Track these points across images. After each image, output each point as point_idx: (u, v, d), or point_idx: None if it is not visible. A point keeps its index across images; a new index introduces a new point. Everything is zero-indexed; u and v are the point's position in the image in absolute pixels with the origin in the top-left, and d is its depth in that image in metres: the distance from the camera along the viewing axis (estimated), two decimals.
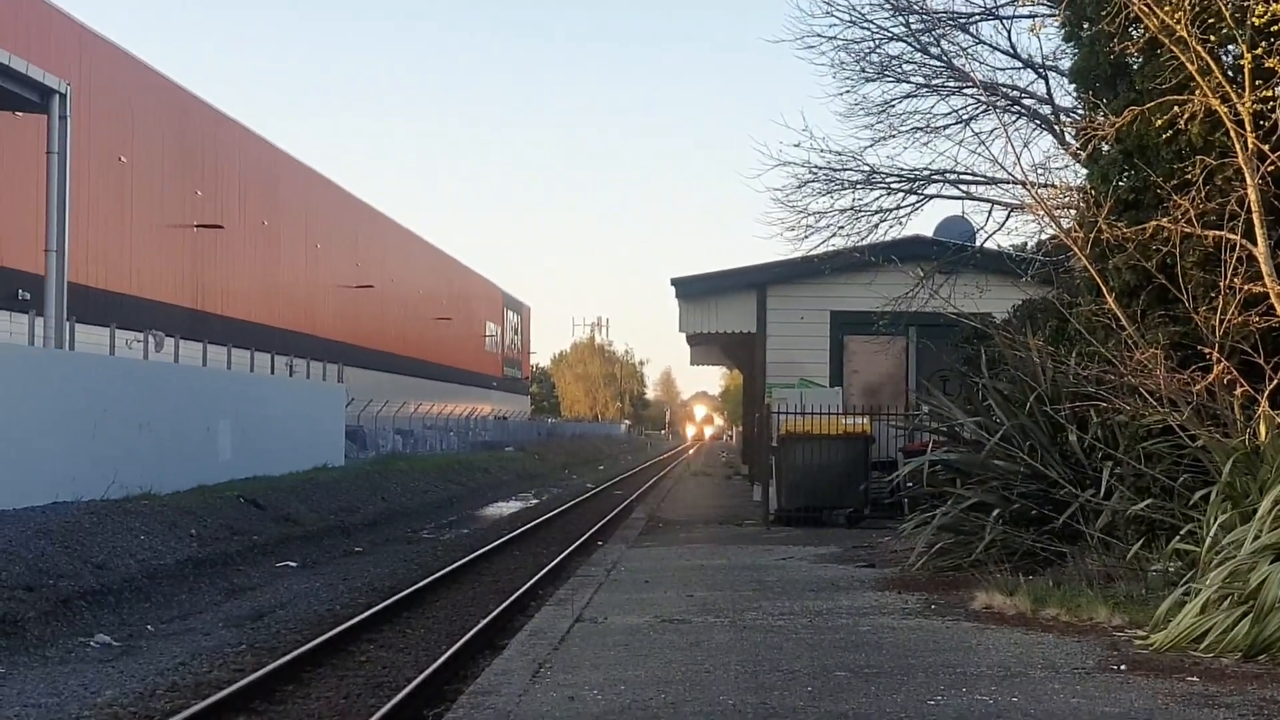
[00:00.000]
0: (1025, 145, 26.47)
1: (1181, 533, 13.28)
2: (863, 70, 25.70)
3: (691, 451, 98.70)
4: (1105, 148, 16.45)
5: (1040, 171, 22.62)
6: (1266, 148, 13.75)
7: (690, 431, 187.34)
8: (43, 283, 29.95)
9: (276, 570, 25.95)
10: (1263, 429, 13.02)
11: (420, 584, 22.33)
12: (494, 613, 18.49)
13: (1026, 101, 25.39)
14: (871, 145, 26.27)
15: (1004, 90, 25.42)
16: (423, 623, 19.22)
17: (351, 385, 53.29)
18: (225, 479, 34.04)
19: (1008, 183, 24.08)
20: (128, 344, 34.81)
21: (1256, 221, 13.87)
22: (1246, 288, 13.82)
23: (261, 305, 52.06)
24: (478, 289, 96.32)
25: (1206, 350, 13.94)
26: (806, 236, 26.19)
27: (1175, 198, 14.29)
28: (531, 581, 22.03)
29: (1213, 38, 14.17)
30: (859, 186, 25.73)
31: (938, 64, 25.50)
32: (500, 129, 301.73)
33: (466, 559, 26.20)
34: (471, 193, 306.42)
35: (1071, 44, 18.30)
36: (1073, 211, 17.87)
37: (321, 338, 57.36)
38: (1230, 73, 14.37)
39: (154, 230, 43.30)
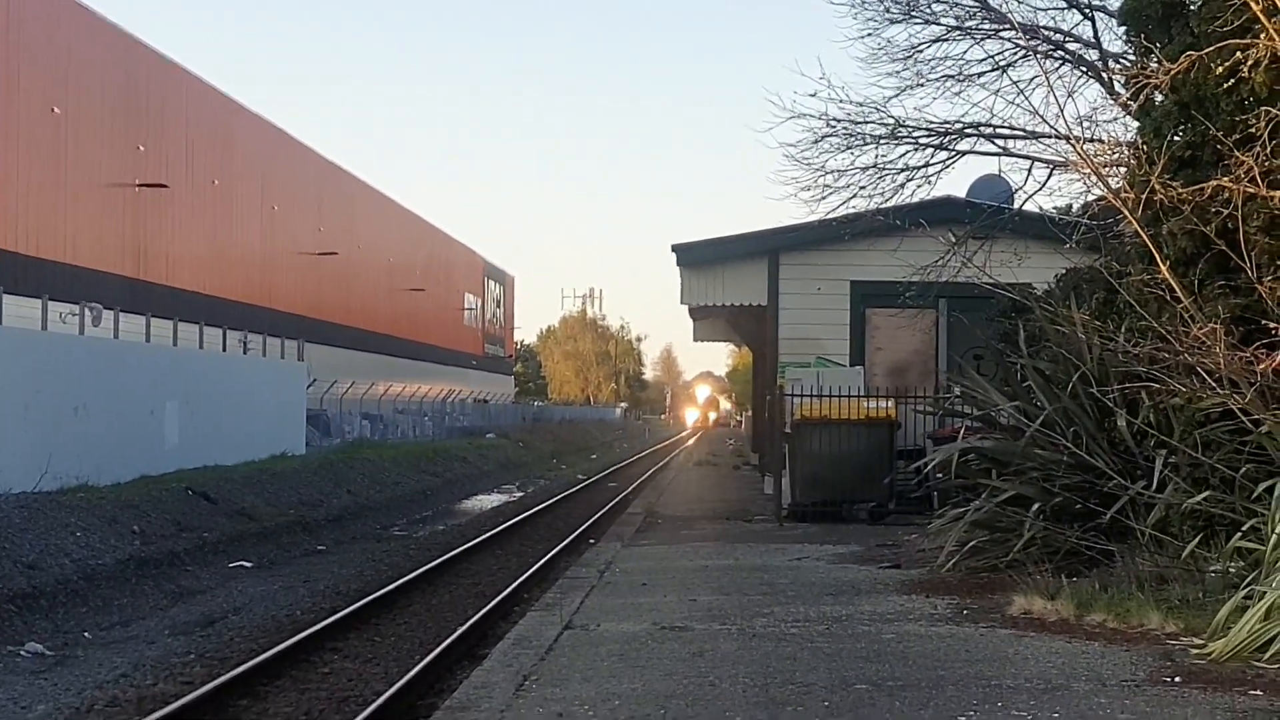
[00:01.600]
0: (1069, 95, 26.30)
1: (1243, 529, 13.28)
2: (887, 10, 25.62)
3: (692, 441, 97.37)
4: (1159, 98, 16.42)
5: (1086, 125, 22.54)
6: None
7: (691, 416, 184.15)
8: None
9: (229, 571, 26.01)
10: None
11: (391, 586, 22.37)
12: (473, 618, 18.54)
13: (1071, 46, 25.33)
14: (897, 95, 26.18)
15: (1046, 33, 25.36)
16: (394, 630, 19.26)
17: (314, 364, 53.31)
18: (172, 468, 34.08)
19: (1050, 137, 24.00)
20: (61, 317, 34.82)
21: None
22: None
23: (212, 274, 51.96)
24: (456, 257, 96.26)
25: (1272, 325, 13.93)
26: (824, 197, 26.09)
27: (1237, 154, 14.25)
28: (515, 584, 22.08)
29: None
30: (883, 141, 25.64)
31: (971, 3, 25.42)
32: (482, 85, 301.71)
33: (443, 559, 26.26)
34: (451, 154, 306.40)
35: None
36: (1122, 170, 17.85)
37: (280, 311, 57.31)
38: None
39: (91, 190, 43.19)
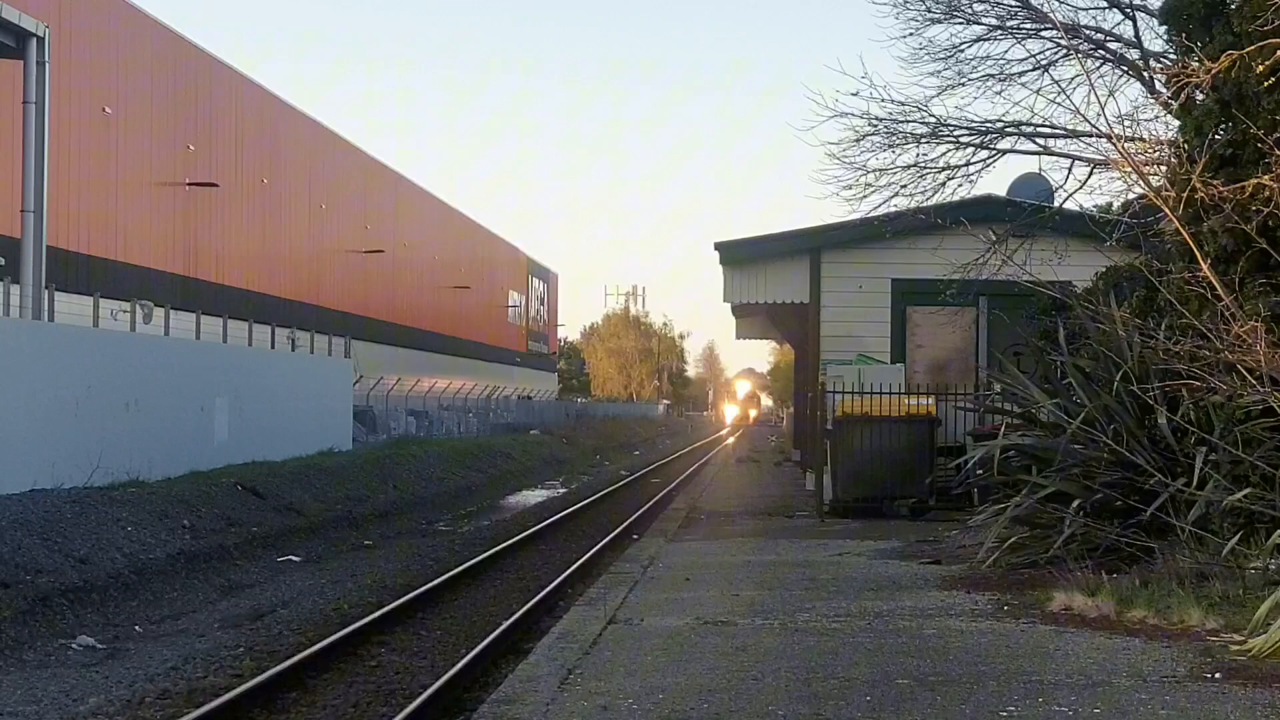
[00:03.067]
0: (1110, 94, 26.23)
1: None
2: (928, 10, 25.56)
3: (732, 440, 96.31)
4: (1199, 97, 16.35)
5: (1127, 123, 22.37)
6: None
7: (731, 413, 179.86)
8: (19, 247, 30.08)
9: (278, 565, 26.08)
10: None
11: (436, 581, 22.41)
12: (518, 613, 18.55)
13: (1112, 45, 25.23)
14: (938, 94, 26.11)
15: (1087, 32, 25.26)
16: (439, 624, 19.30)
17: (360, 361, 53.40)
18: (221, 464, 34.19)
19: (1090, 136, 23.88)
20: (113, 315, 34.95)
21: None
22: None
23: (260, 272, 52.11)
24: (500, 255, 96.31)
25: None
26: (865, 196, 26.04)
27: (1277, 152, 14.21)
28: (560, 579, 22.09)
29: None
30: (924, 140, 25.58)
31: (1013, 3, 25.34)
32: (529, 83, 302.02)
33: (487, 554, 26.28)
34: (496, 152, 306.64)
35: None
36: (1163, 168, 17.77)
37: (327, 308, 57.45)
38: None
39: (142, 189, 43.35)
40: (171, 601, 21.81)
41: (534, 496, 46.53)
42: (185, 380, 33.90)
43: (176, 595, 22.33)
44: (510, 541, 28.50)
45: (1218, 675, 10.75)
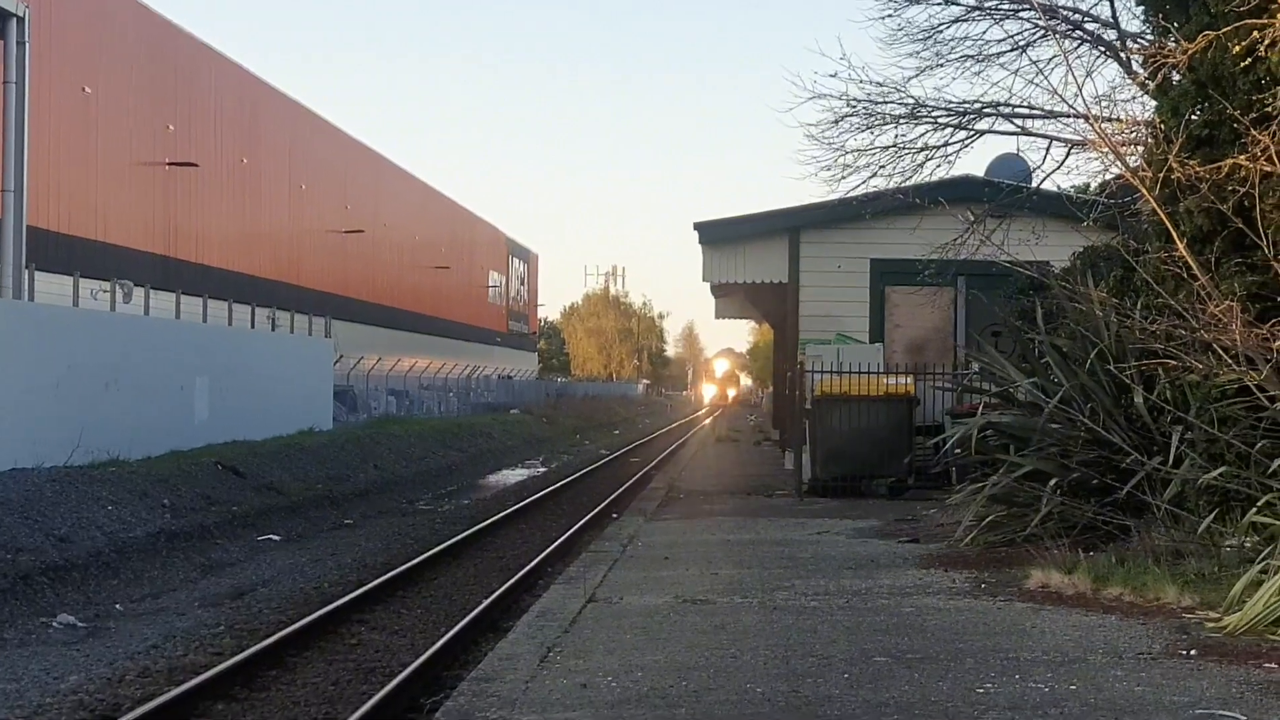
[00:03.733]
0: (1088, 75, 26.28)
1: (1259, 504, 13.27)
2: None
3: (709, 421, 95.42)
4: (1176, 77, 16.37)
5: (1104, 104, 22.41)
6: None
7: (709, 392, 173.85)
8: None
9: (258, 544, 26.08)
10: None
11: (417, 560, 22.42)
12: (498, 591, 18.58)
13: (1089, 26, 25.23)
14: (916, 75, 26.12)
15: (1064, 13, 25.27)
16: (419, 602, 19.31)
17: (340, 340, 53.32)
18: (201, 443, 34.16)
19: (1068, 116, 23.93)
20: (93, 294, 34.85)
21: None
22: None
23: (241, 252, 52.04)
24: (480, 235, 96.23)
25: None
26: (844, 177, 26.06)
27: (1254, 133, 14.23)
28: (539, 558, 22.12)
29: None
30: (902, 121, 25.59)
31: None
32: (508, 65, 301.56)
33: (467, 532, 26.29)
34: (476, 132, 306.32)
35: None
36: (1140, 148, 17.80)
37: (307, 288, 57.37)
38: None
39: (122, 168, 43.27)
40: (152, 580, 21.80)
41: (514, 475, 46.54)
42: (165, 360, 33.85)
43: (157, 574, 22.33)
44: (490, 520, 28.51)
45: (1193, 652, 10.80)
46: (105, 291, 35.60)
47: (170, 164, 46.07)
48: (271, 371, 41.71)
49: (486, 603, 17.67)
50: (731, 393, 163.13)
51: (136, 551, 23.12)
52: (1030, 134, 26.17)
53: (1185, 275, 15.29)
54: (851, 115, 25.52)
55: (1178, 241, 15.36)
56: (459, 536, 25.63)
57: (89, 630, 17.66)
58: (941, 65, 25.87)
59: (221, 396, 36.79)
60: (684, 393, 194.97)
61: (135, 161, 44.19)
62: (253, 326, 43.53)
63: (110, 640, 16.86)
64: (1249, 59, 14.50)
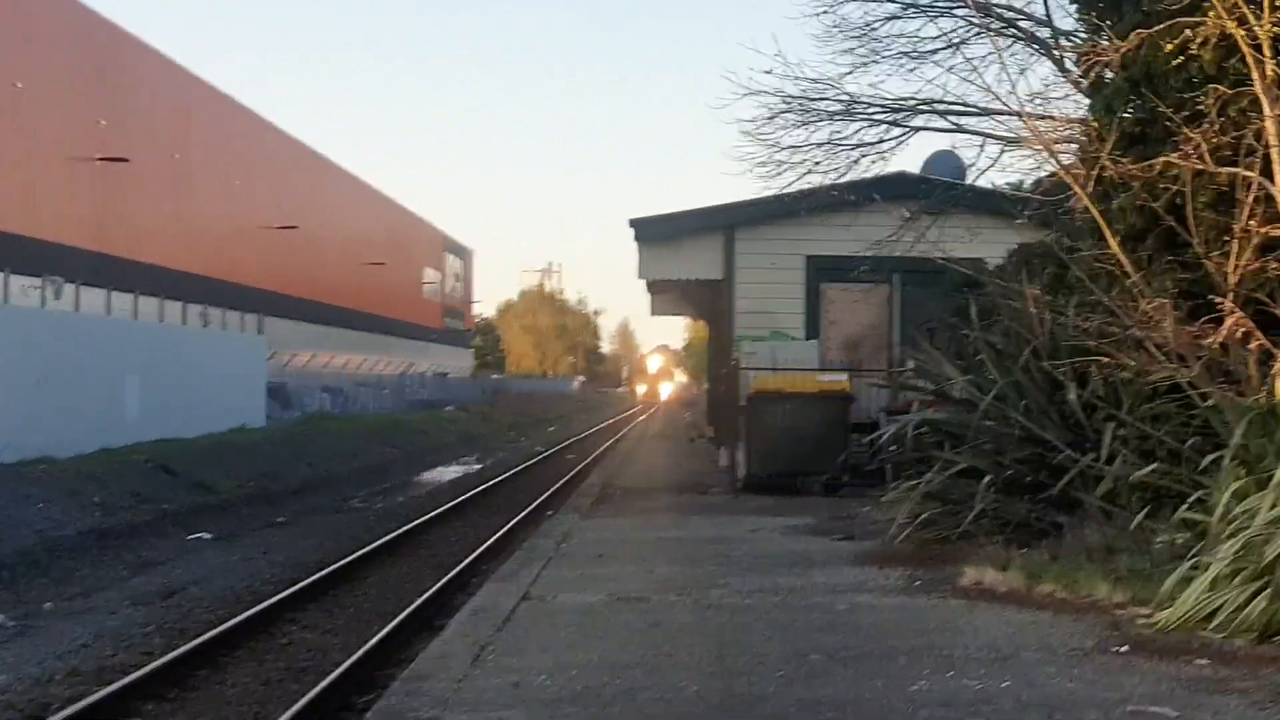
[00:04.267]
0: (1022, 72, 26.49)
1: (1190, 501, 13.33)
2: None
3: (643, 418, 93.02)
4: (1109, 75, 16.45)
5: (1038, 102, 22.54)
6: None
7: (642, 389, 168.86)
8: None
9: (189, 543, 25.91)
10: (1279, 386, 13.09)
11: (350, 558, 22.32)
12: (431, 590, 18.51)
13: (1023, 24, 25.30)
14: (851, 72, 26.15)
15: (998, 11, 25.34)
16: (352, 601, 19.23)
17: (275, 337, 53.15)
18: (133, 441, 33.96)
19: (1002, 114, 23.97)
20: (23, 290, 34.65)
21: (1275, 157, 13.91)
22: (1264, 230, 13.88)
23: (174, 248, 51.71)
24: (416, 232, 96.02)
25: (1219, 300, 14.01)
26: (779, 173, 26.07)
27: (1186, 131, 14.32)
28: (473, 556, 22.05)
29: None
30: (837, 118, 25.62)
31: None
32: (441, 60, 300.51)
33: (401, 530, 26.20)
34: (411, 129, 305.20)
35: None
36: (1073, 146, 17.90)
37: (241, 285, 57.06)
38: None
39: (54, 164, 42.94)
40: (82, 579, 21.64)
41: (449, 473, 46.41)
42: (97, 357, 33.65)
43: (88, 572, 22.16)
44: (425, 518, 28.42)
45: (1125, 648, 10.84)
46: (36, 288, 35.39)
47: (102, 159, 45.72)
48: (204, 368, 41.50)
49: (420, 601, 17.59)
50: (666, 389, 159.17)
51: (67, 550, 22.97)
52: (965, 131, 26.24)
53: (1118, 273, 15.39)
54: (787, 112, 25.55)
55: (1110, 239, 15.45)
56: (393, 534, 25.54)
57: (18, 629, 17.50)
58: (877, 62, 25.92)
59: (153, 394, 36.58)
60: (619, 389, 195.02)
61: (68, 156, 43.85)
62: (185, 323, 43.37)
63: (40, 639, 16.71)
64: (1181, 57, 14.58)
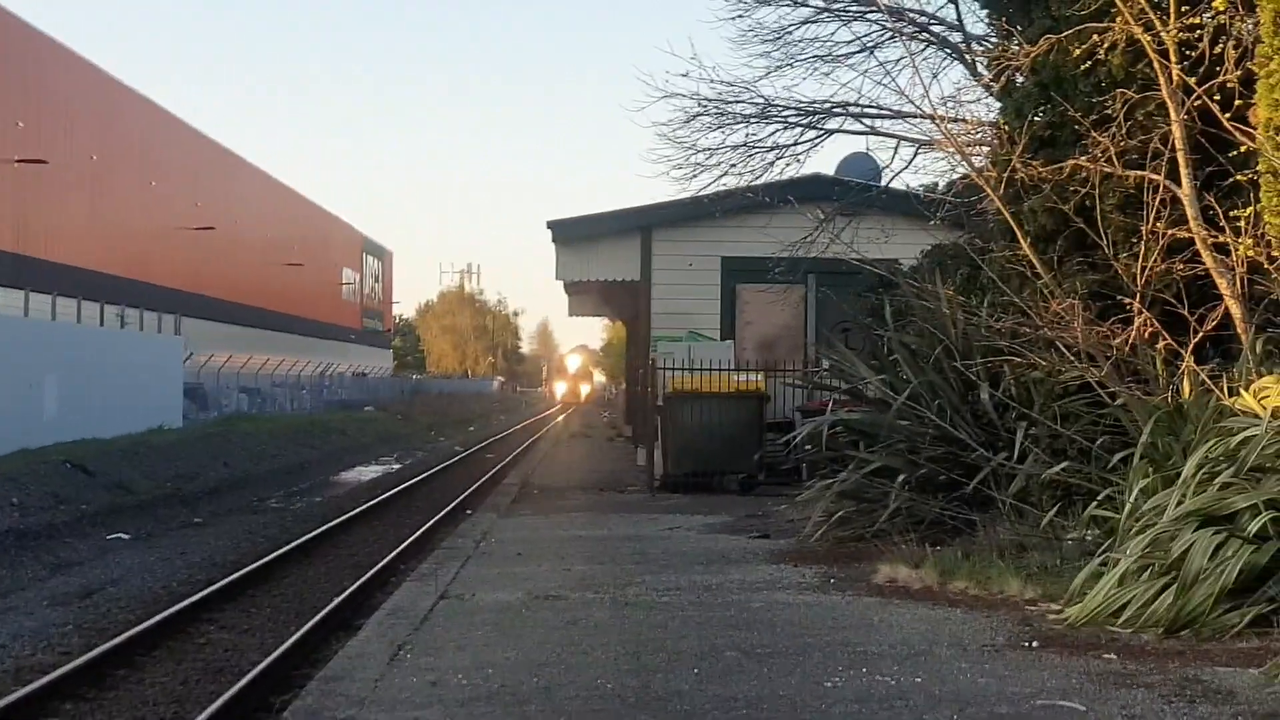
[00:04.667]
0: (934, 76, 26.73)
1: (1099, 498, 13.46)
2: None
3: (562, 418, 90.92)
4: (1019, 79, 16.61)
5: (950, 105, 22.74)
6: (1192, 80, 13.92)
7: (561, 389, 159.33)
8: None
9: (107, 543, 25.70)
10: (1186, 386, 13.23)
11: (267, 558, 22.18)
12: (349, 590, 18.41)
13: (935, 28, 25.52)
14: (766, 75, 26.39)
15: (911, 16, 25.53)
16: (270, 601, 19.10)
17: (191, 338, 52.81)
18: (50, 441, 33.69)
19: (915, 117, 24.15)
20: None
21: (1181, 161, 14.06)
22: (1170, 232, 14.03)
23: (92, 249, 51.37)
24: (335, 232, 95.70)
25: (1127, 300, 14.17)
26: (695, 175, 26.18)
27: (1094, 134, 14.47)
28: (392, 555, 21.94)
29: None
30: (753, 120, 25.74)
31: None
32: (359, 60, 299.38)
33: (319, 530, 26.06)
34: (330, 130, 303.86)
35: None
36: (985, 149, 18.04)
37: (159, 286, 56.75)
38: None
39: None
40: (0, 579, 21.46)
41: (368, 473, 46.21)
42: (13, 358, 33.36)
43: (5, 573, 21.95)
44: (343, 518, 28.27)
45: (1035, 643, 10.92)
46: None
47: (20, 161, 45.34)
48: (121, 369, 41.21)
49: (337, 601, 17.50)
50: (585, 389, 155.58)
51: None
52: (879, 134, 26.43)
53: (1029, 274, 15.52)
54: (703, 114, 25.65)
55: (1022, 240, 15.58)
56: (310, 534, 25.40)
57: None
58: (791, 65, 26.07)
59: (71, 394, 36.31)
60: (539, 389, 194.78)
61: None
62: (102, 324, 43.04)
63: None
64: (1089, 62, 14.74)
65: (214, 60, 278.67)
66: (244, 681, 13.05)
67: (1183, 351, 13.57)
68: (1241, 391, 12.59)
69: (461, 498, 31.38)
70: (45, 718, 12.72)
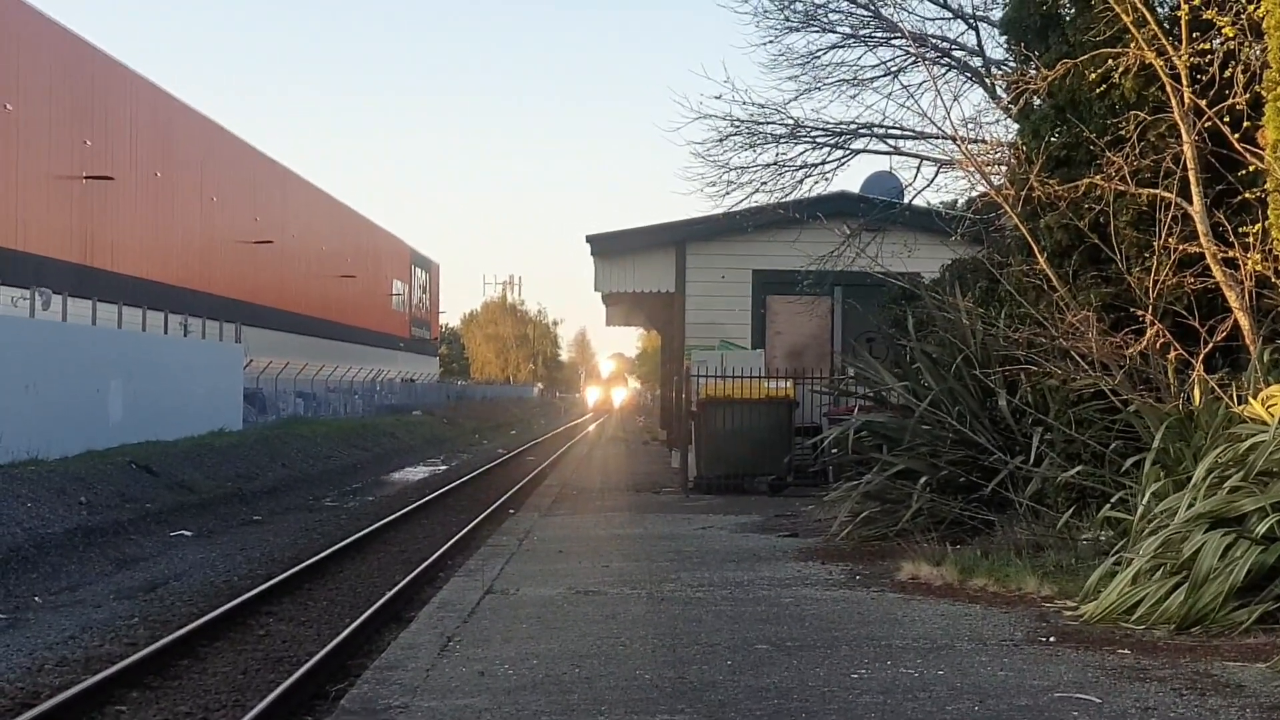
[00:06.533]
0: (955, 99, 26.67)
1: (1113, 500, 13.44)
2: (787, 19, 25.79)
3: (593, 428, 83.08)
4: (1037, 102, 16.58)
5: (971, 126, 22.74)
6: (1203, 103, 13.90)
7: (593, 396, 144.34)
8: None
9: (170, 540, 25.81)
10: (1196, 394, 13.19)
11: (323, 554, 22.25)
12: (400, 584, 18.46)
13: (956, 53, 25.54)
14: (796, 98, 26.37)
15: (933, 41, 25.54)
16: (325, 595, 19.16)
17: (250, 345, 52.96)
18: (116, 443, 33.83)
19: (937, 137, 24.21)
20: (13, 301, 34.48)
21: (1192, 179, 14.04)
22: (1181, 248, 14.00)
23: (155, 261, 51.51)
24: (384, 245, 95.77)
25: (1139, 312, 14.14)
26: (728, 192, 26.23)
27: (1108, 154, 14.45)
28: (440, 551, 21.99)
29: None
30: (783, 140, 25.78)
31: (865, 13, 25.60)
32: (411, 82, 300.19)
33: (371, 528, 26.13)
34: (380, 147, 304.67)
35: None
36: (1003, 168, 18.01)
37: (218, 295, 56.90)
38: (1166, 24, 14.53)
39: (41, 181, 42.72)
40: (69, 574, 21.54)
41: (416, 473, 46.31)
42: (82, 363, 33.51)
43: (74, 568, 22.06)
44: (393, 516, 28.34)
45: (1052, 639, 10.90)
46: (25, 299, 35.19)
47: (88, 177, 45.56)
48: (184, 374, 41.34)
49: (389, 595, 17.54)
50: (621, 395, 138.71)
51: (54, 546, 22.85)
52: (902, 153, 26.46)
53: (1045, 287, 15.50)
54: (735, 135, 25.70)
55: (1038, 255, 15.57)
56: (363, 531, 25.47)
57: (9, 621, 17.41)
58: (819, 88, 26.12)
59: (136, 398, 36.45)
60: (577, 395, 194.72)
61: (54, 175, 43.65)
62: (166, 332, 43.21)
63: (29, 631, 16.64)
64: (1104, 85, 14.73)
65: (262, 74, 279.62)
66: (301, 671, 13.09)
67: (1193, 361, 13.54)
68: (1250, 400, 12.56)
69: (504, 498, 31.43)
70: (112, 705, 12.78)
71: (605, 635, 11.32)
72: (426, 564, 20.54)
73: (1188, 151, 14.04)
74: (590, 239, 31.03)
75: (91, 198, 46.14)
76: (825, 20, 25.72)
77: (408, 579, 18.95)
